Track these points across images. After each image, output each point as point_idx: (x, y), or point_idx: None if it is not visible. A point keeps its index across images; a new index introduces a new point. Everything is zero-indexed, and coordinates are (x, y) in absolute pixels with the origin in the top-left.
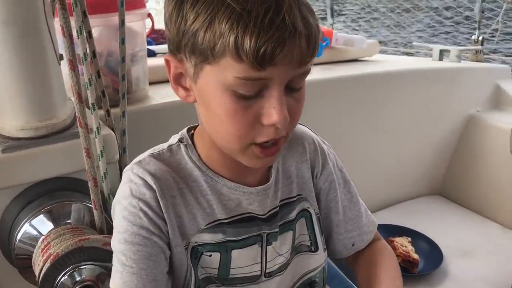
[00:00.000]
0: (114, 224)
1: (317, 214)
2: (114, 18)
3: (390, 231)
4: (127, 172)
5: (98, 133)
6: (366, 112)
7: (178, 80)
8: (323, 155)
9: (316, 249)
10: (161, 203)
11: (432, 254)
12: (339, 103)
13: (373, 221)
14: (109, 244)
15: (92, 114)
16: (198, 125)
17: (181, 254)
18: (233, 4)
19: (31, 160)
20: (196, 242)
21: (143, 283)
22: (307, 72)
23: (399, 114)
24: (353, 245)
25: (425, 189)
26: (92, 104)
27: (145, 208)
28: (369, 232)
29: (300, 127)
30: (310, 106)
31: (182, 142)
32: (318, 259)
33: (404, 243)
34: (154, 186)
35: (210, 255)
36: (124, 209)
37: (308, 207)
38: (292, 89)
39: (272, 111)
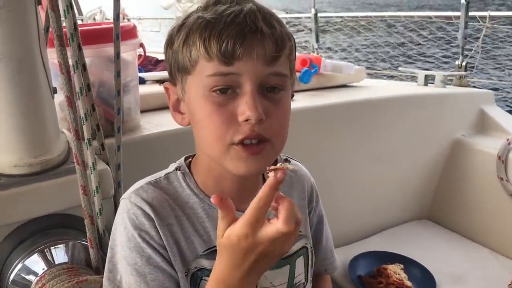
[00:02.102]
0: (119, 255)
1: (311, 248)
2: (105, 49)
3: (382, 258)
4: (125, 200)
5: (94, 169)
6: (354, 139)
7: (176, 107)
8: (316, 193)
9: (306, 282)
10: (160, 232)
11: (424, 281)
12: (327, 130)
13: None
14: None
15: (87, 149)
16: (195, 154)
17: (183, 280)
18: (204, 16)
19: (24, 198)
20: (195, 267)
21: None
22: (280, 75)
23: (386, 139)
24: (325, 270)
25: (413, 214)
26: (88, 139)
27: (147, 238)
28: (336, 259)
29: (301, 167)
30: (299, 133)
31: (179, 170)
32: None
33: (397, 271)
34: (152, 215)
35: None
36: (129, 241)
37: (306, 243)
38: (269, 91)
39: (245, 106)
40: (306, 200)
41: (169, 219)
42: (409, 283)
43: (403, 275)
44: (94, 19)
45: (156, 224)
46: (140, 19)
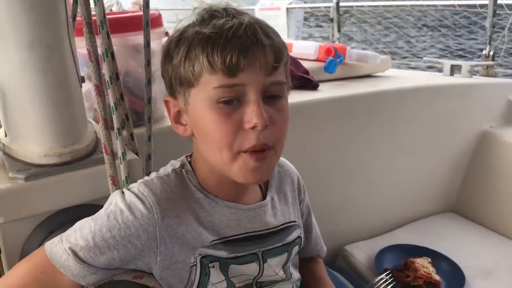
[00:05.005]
0: (99, 213)
1: (304, 237)
2: (130, 38)
3: (409, 251)
4: (134, 189)
5: (123, 159)
6: (378, 130)
7: (178, 119)
8: (303, 186)
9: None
10: (159, 225)
11: (453, 275)
12: (352, 120)
13: None
14: (140, 276)
15: (117, 139)
16: (192, 154)
17: (181, 271)
18: (203, 30)
19: (54, 188)
20: (205, 254)
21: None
22: (280, 83)
23: (411, 131)
24: (318, 255)
25: (439, 206)
26: (118, 129)
27: (131, 224)
28: (324, 245)
29: (286, 162)
30: (324, 124)
31: (183, 168)
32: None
33: (424, 264)
34: (154, 208)
35: (213, 266)
36: (112, 212)
37: (300, 233)
38: (271, 99)
39: (251, 114)
40: (296, 192)
41: (176, 211)
42: (437, 277)
43: (431, 269)
44: (111, 10)
45: (157, 217)
46: (157, 9)
